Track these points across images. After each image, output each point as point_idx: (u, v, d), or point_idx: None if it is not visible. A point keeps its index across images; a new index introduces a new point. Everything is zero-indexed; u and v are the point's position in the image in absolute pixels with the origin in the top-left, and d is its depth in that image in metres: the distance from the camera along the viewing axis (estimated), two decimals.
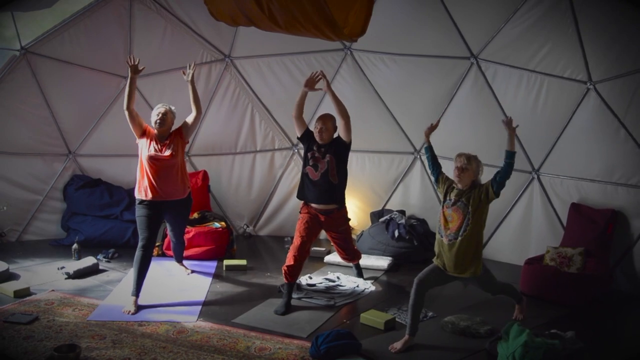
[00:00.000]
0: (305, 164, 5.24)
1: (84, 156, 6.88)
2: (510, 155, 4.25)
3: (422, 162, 6.87)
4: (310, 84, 5.23)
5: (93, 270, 5.73)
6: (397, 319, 4.73)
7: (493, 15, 5.65)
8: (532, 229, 6.15)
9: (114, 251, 6.26)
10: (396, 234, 6.35)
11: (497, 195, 4.21)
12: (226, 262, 6.10)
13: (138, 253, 4.95)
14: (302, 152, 7.15)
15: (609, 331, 4.81)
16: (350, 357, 4.00)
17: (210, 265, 6.13)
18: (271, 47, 6.71)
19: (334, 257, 6.25)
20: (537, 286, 5.30)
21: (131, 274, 5.66)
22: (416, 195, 6.98)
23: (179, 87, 6.71)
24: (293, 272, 4.98)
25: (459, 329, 4.53)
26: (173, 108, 5.29)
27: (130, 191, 6.82)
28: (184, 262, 5.96)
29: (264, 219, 7.46)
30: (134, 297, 4.86)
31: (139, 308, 4.80)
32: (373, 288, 5.55)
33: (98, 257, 6.05)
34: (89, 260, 5.79)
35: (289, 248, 6.75)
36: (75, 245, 6.05)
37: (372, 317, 4.68)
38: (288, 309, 4.89)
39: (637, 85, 5.08)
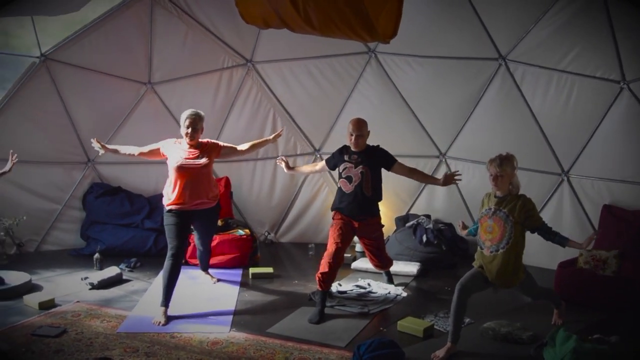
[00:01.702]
0: (339, 177, 5.19)
1: (103, 164, 6.78)
2: (560, 243, 4.28)
3: (447, 165, 6.77)
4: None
5: (117, 280, 5.61)
6: (435, 326, 4.62)
7: (523, 15, 5.57)
8: (561, 231, 5.98)
9: (136, 260, 6.15)
10: (424, 239, 6.25)
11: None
12: (252, 270, 5.99)
13: (168, 262, 4.81)
14: (324, 156, 7.11)
15: None
16: None
17: (236, 274, 6.02)
18: (294, 51, 6.63)
19: (361, 264, 6.14)
20: (572, 290, 5.17)
21: (156, 283, 5.59)
22: (441, 200, 6.88)
23: (200, 92, 6.70)
24: (327, 280, 4.85)
25: (500, 335, 4.40)
26: (201, 113, 5.09)
27: (151, 199, 6.77)
28: (209, 270, 5.85)
29: (285, 226, 7.36)
30: (163, 308, 4.72)
31: (169, 319, 4.67)
32: (404, 294, 5.43)
33: (120, 266, 5.94)
34: (112, 270, 5.68)
35: (312, 255, 6.77)
36: (97, 255, 5.94)
37: (410, 325, 4.55)
38: (322, 317, 4.76)
39: None
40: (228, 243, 6.19)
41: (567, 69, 5.57)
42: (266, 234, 7.24)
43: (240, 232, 6.36)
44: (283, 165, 5.59)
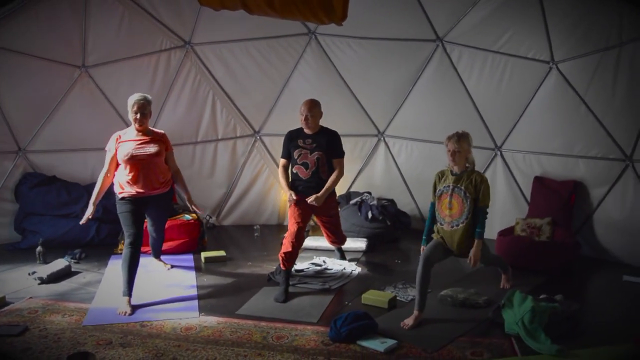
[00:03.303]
0: (293, 163, 5.21)
1: (36, 152, 6.42)
2: (478, 234, 4.43)
3: (385, 143, 7.03)
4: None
5: (66, 273, 5.41)
6: (397, 297, 4.85)
7: None
8: (496, 203, 6.44)
9: (81, 251, 5.92)
10: (369, 215, 6.47)
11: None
12: (204, 254, 5.96)
13: (127, 250, 4.72)
14: (264, 139, 7.16)
15: (590, 292, 5.22)
16: (371, 337, 4.06)
17: (187, 259, 5.97)
18: (234, 33, 6.58)
19: (312, 242, 6.27)
20: (513, 256, 5.57)
21: (109, 273, 5.48)
22: (380, 177, 7.14)
23: (137, 75, 6.50)
24: (291, 259, 4.95)
25: (458, 301, 4.71)
26: (149, 97, 4.95)
27: (88, 187, 6.48)
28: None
29: (227, 209, 7.33)
30: (126, 298, 4.63)
31: (134, 308, 4.59)
32: (359, 269, 5.64)
33: (65, 258, 5.69)
34: (59, 263, 5.45)
35: (258, 236, 6.81)
36: (39, 248, 5.67)
37: (374, 297, 4.76)
38: (287, 296, 4.87)
39: (597, 64, 5.47)
40: (177, 228, 6.11)
41: (501, 50, 5.95)
42: (208, 217, 7.18)
43: (187, 216, 6.28)
44: (294, 197, 5.16)
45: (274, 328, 4.29)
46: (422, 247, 4.63)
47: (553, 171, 6.10)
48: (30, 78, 6.08)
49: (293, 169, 5.22)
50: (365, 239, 6.33)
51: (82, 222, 4.91)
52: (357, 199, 6.74)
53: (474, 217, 4.42)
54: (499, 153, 6.42)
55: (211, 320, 4.42)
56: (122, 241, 6.00)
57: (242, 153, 7.23)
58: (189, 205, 5.23)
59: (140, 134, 4.91)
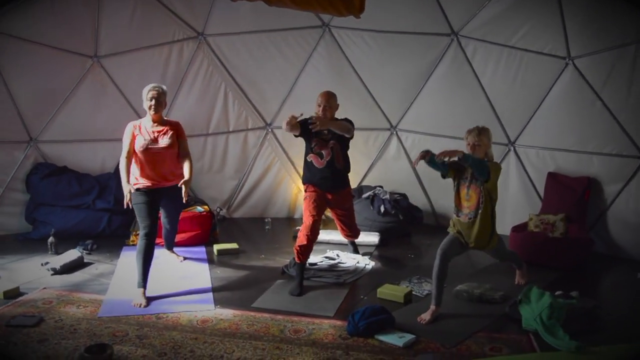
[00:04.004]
0: (307, 152, 5.17)
1: (47, 142, 6.40)
2: (464, 160, 4.18)
3: (398, 137, 7.00)
4: (291, 125, 4.88)
5: (79, 264, 5.40)
6: (413, 292, 4.84)
7: None
8: (508, 198, 6.44)
9: (93, 242, 5.90)
10: (382, 209, 6.45)
11: (489, 181, 4.29)
12: (217, 246, 5.94)
13: (141, 242, 4.71)
14: (276, 131, 7.11)
15: (604, 289, 5.20)
16: (389, 331, 4.04)
17: (200, 251, 5.95)
18: (247, 24, 6.54)
19: (324, 235, 6.24)
20: (527, 251, 5.56)
21: (122, 264, 5.48)
22: (393, 171, 7.10)
23: (149, 66, 6.47)
24: (306, 252, 4.94)
25: (475, 297, 4.68)
26: (164, 87, 4.97)
27: (99, 178, 6.50)
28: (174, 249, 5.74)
29: (237, 201, 7.31)
30: (141, 289, 4.62)
31: (149, 300, 4.58)
32: (373, 263, 5.62)
33: (77, 249, 5.68)
34: (72, 254, 5.43)
35: (269, 229, 6.79)
36: (51, 239, 5.67)
37: (390, 292, 4.74)
38: (302, 289, 4.85)
39: (615, 60, 5.42)
40: (189, 220, 6.08)
41: (516, 45, 5.91)
42: (218, 209, 7.16)
43: (200, 208, 6.26)
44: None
45: (290, 321, 4.28)
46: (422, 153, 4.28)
47: (567, 167, 6.06)
48: (42, 68, 6.06)
49: (308, 158, 5.17)
50: (377, 233, 6.31)
51: (124, 207, 4.74)
52: (370, 192, 6.72)
53: (490, 209, 4.39)
54: (512, 148, 6.39)
55: (227, 312, 4.41)
56: (134, 232, 6.04)
57: (253, 145, 7.19)
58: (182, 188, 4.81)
59: (156, 124, 4.90)
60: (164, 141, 4.86)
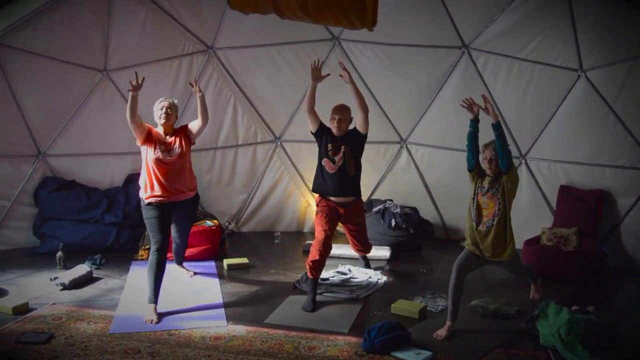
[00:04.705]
0: (321, 157, 5.14)
1: (56, 156, 6.36)
2: (496, 127, 4.28)
3: (408, 150, 6.96)
4: (316, 75, 5.11)
5: (88, 279, 5.33)
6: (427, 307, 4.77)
7: (488, 5, 5.80)
8: (520, 211, 6.36)
9: (101, 257, 5.84)
10: (393, 223, 6.40)
11: (508, 171, 4.28)
12: (227, 261, 5.88)
13: (153, 257, 4.65)
14: (285, 145, 7.08)
15: (620, 303, 5.14)
16: (406, 348, 3.98)
17: (209, 266, 5.89)
18: (256, 38, 6.53)
19: (335, 250, 6.15)
20: (540, 266, 5.49)
21: (131, 279, 5.42)
22: (403, 184, 7.05)
23: (159, 79, 6.44)
24: (319, 267, 4.88)
25: (490, 312, 4.63)
26: (175, 101, 5.01)
27: (108, 192, 6.45)
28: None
29: (246, 215, 7.25)
30: (152, 305, 4.56)
31: (160, 316, 4.52)
32: (385, 278, 5.56)
33: (85, 264, 5.62)
34: (81, 269, 5.37)
35: (278, 244, 6.73)
36: (60, 253, 5.61)
37: (404, 307, 4.69)
38: (315, 305, 4.79)
39: (628, 72, 5.40)
40: (199, 235, 6.02)
41: (528, 57, 5.89)
42: (227, 224, 7.10)
43: (209, 222, 6.21)
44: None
45: (305, 338, 4.21)
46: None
47: (579, 180, 6.02)
48: (51, 81, 6.04)
49: (322, 162, 5.14)
50: (388, 247, 6.26)
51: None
52: (380, 206, 6.67)
53: (505, 216, 4.35)
54: (523, 161, 6.35)
55: (240, 329, 4.35)
56: (143, 247, 5.98)
57: (262, 159, 7.16)
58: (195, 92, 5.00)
59: (167, 135, 4.91)
60: (175, 151, 4.86)
